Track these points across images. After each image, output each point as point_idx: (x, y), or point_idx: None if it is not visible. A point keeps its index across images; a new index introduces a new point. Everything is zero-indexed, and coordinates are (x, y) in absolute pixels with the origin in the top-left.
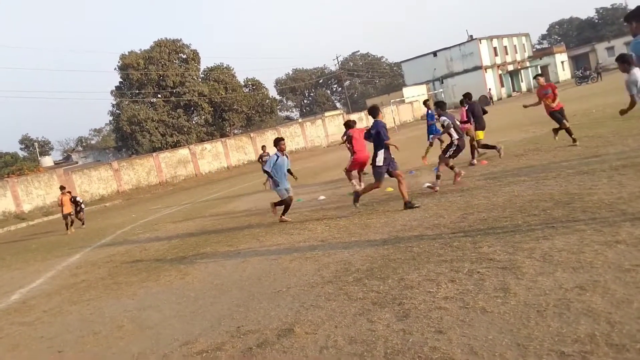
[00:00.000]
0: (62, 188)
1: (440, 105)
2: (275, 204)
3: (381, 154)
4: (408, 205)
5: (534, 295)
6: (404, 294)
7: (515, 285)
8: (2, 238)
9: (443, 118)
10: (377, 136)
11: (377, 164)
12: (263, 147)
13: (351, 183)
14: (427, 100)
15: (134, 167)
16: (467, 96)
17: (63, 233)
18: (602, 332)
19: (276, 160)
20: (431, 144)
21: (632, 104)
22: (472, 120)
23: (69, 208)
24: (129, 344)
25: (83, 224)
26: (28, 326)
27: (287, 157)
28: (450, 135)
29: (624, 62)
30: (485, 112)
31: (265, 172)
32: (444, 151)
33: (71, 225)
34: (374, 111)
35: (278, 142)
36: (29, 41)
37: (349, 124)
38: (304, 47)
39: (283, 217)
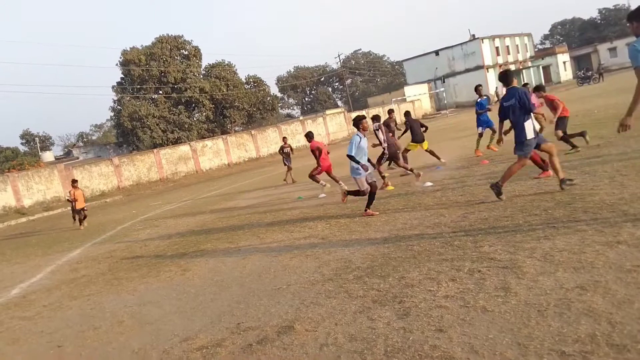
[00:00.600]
0: (74, 182)
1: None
2: (349, 193)
3: (529, 124)
4: (566, 183)
5: (535, 295)
6: (405, 292)
7: (516, 285)
8: (2, 232)
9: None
10: (522, 105)
11: (527, 137)
12: (284, 139)
13: (320, 184)
14: (480, 85)
15: (134, 163)
16: (539, 88)
17: (75, 228)
18: (603, 332)
19: (359, 141)
20: (480, 135)
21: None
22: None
23: (82, 202)
24: (129, 339)
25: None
26: (28, 320)
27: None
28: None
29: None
30: (425, 127)
31: (350, 157)
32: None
33: (84, 219)
34: (507, 77)
35: (359, 120)
36: (30, 36)
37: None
38: (306, 45)
39: (368, 210)
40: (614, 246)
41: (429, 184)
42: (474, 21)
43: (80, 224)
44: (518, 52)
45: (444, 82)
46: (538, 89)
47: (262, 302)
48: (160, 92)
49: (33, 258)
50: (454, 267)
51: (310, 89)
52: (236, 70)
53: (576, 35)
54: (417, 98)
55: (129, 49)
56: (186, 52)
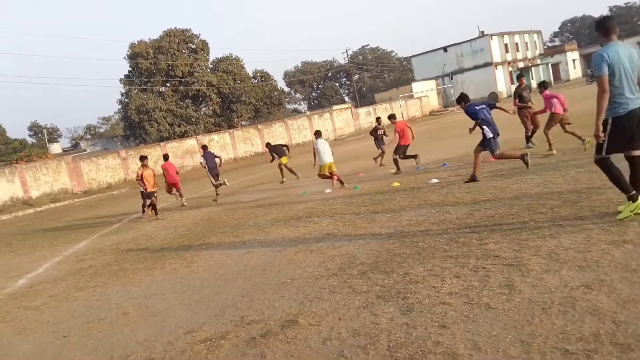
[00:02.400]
0: (143, 159)
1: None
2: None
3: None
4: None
5: (539, 293)
6: (409, 288)
7: (520, 283)
8: (10, 224)
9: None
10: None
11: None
12: (378, 119)
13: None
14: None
15: None
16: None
17: (137, 217)
18: (607, 331)
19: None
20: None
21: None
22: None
23: (152, 185)
24: (134, 331)
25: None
26: (34, 311)
27: None
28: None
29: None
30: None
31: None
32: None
33: (152, 209)
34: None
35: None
36: (39, 28)
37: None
38: (314, 40)
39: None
40: (620, 245)
41: (434, 180)
42: (483, 18)
43: (156, 213)
44: (527, 50)
45: (452, 78)
46: (541, 85)
47: (266, 296)
48: (168, 85)
49: (40, 249)
50: (459, 264)
51: (318, 84)
52: (243, 64)
53: (586, 33)
54: (425, 94)
55: (137, 42)
56: (194, 46)
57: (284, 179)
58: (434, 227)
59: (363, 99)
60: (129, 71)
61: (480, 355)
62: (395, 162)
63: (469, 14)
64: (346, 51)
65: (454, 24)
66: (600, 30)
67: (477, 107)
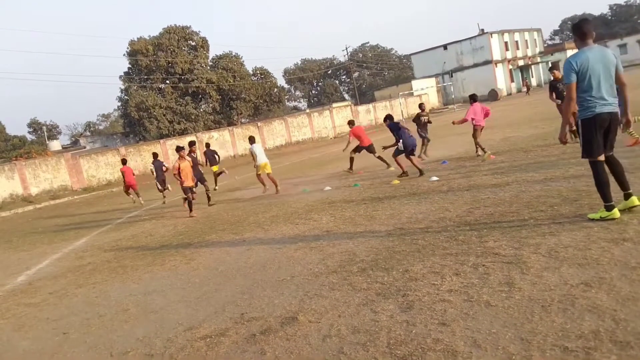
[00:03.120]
0: (179, 149)
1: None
2: None
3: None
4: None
5: (539, 291)
6: (408, 285)
7: (520, 280)
8: (10, 220)
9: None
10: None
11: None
12: (421, 105)
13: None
14: (554, 68)
15: (141, 153)
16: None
17: (185, 214)
18: (607, 329)
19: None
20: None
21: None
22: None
23: (190, 180)
24: (134, 328)
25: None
26: (34, 307)
27: None
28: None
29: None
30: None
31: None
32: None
33: (187, 203)
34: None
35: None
36: (39, 25)
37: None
38: (314, 37)
39: None
40: (619, 243)
41: (434, 178)
42: (484, 16)
43: (190, 210)
44: (527, 48)
45: (452, 76)
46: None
47: (266, 293)
48: (167, 82)
49: (39, 246)
50: (458, 262)
51: (317, 82)
52: (243, 61)
53: None
54: (425, 92)
55: (136, 39)
56: (194, 43)
57: (216, 187)
58: (434, 224)
59: (363, 96)
60: (129, 68)
61: (480, 352)
62: (381, 159)
63: (469, 12)
64: (346, 49)
65: (454, 22)
66: (577, 33)
67: (399, 126)
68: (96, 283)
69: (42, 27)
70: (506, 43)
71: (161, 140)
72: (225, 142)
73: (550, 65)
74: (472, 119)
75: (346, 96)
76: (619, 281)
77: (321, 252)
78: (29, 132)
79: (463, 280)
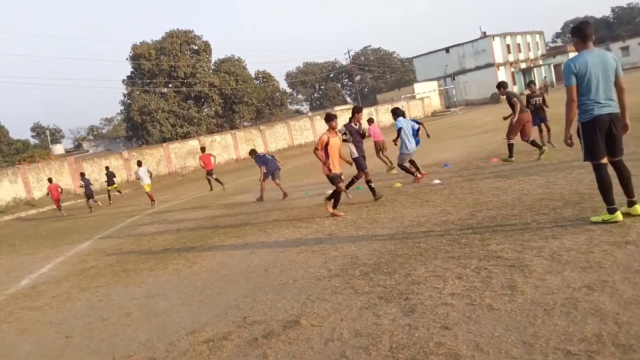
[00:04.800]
0: (330, 118)
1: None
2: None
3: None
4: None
5: (542, 294)
6: (411, 289)
7: (522, 284)
8: (13, 224)
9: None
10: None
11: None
12: (530, 84)
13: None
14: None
15: (143, 157)
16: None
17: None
18: (609, 332)
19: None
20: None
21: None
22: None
23: (338, 165)
24: (137, 331)
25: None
26: (37, 311)
27: None
28: None
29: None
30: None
31: None
32: None
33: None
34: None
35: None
36: (41, 29)
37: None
38: (316, 40)
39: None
40: (622, 246)
41: (436, 181)
42: (485, 18)
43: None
44: (529, 50)
45: (453, 79)
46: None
47: (269, 297)
48: (170, 86)
49: (42, 249)
50: (461, 265)
51: (319, 85)
52: (245, 65)
53: None
54: (427, 95)
55: (139, 44)
56: (196, 47)
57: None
58: (436, 227)
59: (365, 99)
60: (132, 72)
61: (482, 356)
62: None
63: (471, 15)
64: (348, 52)
65: (455, 25)
66: (578, 36)
67: (267, 157)
68: (99, 287)
69: (45, 31)
70: (508, 46)
71: (164, 144)
72: (228, 145)
73: (538, 77)
74: (371, 135)
75: (348, 99)
76: (621, 284)
77: (323, 255)
78: (32, 136)
79: (465, 284)
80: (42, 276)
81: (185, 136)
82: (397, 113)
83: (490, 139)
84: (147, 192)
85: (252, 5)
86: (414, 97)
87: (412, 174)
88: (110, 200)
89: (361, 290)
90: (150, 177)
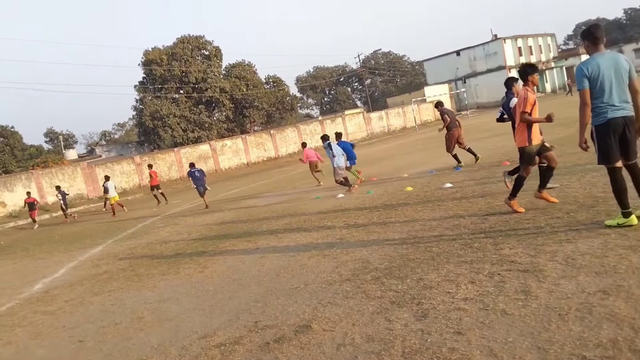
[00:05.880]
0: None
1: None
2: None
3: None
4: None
5: (556, 299)
6: (423, 293)
7: (536, 288)
8: (27, 228)
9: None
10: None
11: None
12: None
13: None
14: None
15: (155, 162)
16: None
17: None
18: (625, 338)
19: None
20: None
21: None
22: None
23: (538, 134)
24: (149, 335)
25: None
26: (50, 315)
27: None
28: None
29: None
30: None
31: None
32: None
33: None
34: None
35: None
36: (56, 36)
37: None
38: (326, 45)
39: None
40: (637, 250)
41: (448, 184)
42: (497, 21)
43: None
44: (541, 53)
45: (464, 82)
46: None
47: (280, 301)
48: (182, 91)
49: (55, 254)
50: (474, 270)
51: (330, 89)
52: (256, 70)
53: None
54: (438, 98)
55: (150, 49)
56: (207, 52)
57: (115, 215)
58: (448, 231)
59: (375, 103)
60: (143, 78)
61: None
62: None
63: (482, 18)
64: (358, 56)
65: (466, 28)
66: (589, 39)
67: (195, 173)
68: (112, 291)
69: (59, 38)
70: (520, 48)
71: (175, 149)
72: (239, 150)
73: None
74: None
75: (358, 103)
76: (637, 289)
77: (335, 259)
78: (45, 142)
79: (478, 289)
80: (56, 280)
81: (197, 141)
82: (324, 139)
83: (502, 142)
84: (113, 203)
85: (262, 10)
86: (424, 101)
87: (348, 185)
88: (104, 207)
89: (373, 294)
90: (115, 189)
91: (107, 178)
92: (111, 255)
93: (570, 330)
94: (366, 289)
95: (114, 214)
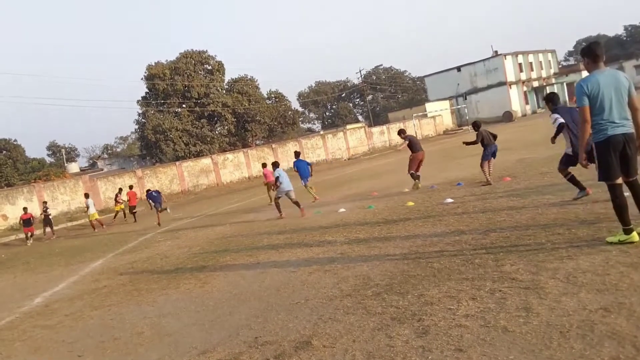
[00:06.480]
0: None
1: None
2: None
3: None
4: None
5: (557, 316)
6: (424, 310)
7: (538, 305)
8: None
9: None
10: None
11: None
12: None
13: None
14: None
15: (157, 175)
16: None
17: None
18: (627, 356)
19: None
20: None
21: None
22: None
23: None
24: (148, 351)
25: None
26: (50, 329)
27: None
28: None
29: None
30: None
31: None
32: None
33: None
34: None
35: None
36: (61, 49)
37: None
38: (328, 60)
39: None
40: (638, 267)
41: (449, 200)
42: (497, 37)
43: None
44: (542, 69)
45: (465, 98)
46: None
47: (280, 317)
48: (184, 106)
49: (56, 268)
50: (475, 286)
51: (331, 104)
52: (258, 85)
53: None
54: (439, 114)
55: (154, 64)
56: (210, 67)
57: (96, 230)
58: (449, 247)
59: (377, 118)
60: (146, 92)
61: None
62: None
63: (483, 34)
64: (360, 71)
65: (467, 44)
66: (589, 56)
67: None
68: (111, 305)
69: (63, 51)
70: (520, 64)
71: (177, 162)
72: (240, 163)
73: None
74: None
75: (360, 118)
76: (638, 307)
77: (335, 275)
78: (47, 155)
79: (480, 305)
80: (56, 294)
81: (199, 154)
82: (274, 165)
83: (502, 158)
84: (91, 220)
85: (265, 25)
86: (425, 116)
87: (279, 211)
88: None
89: (373, 310)
90: (94, 206)
91: (86, 196)
92: (111, 269)
93: (571, 348)
94: (367, 305)
95: (95, 228)
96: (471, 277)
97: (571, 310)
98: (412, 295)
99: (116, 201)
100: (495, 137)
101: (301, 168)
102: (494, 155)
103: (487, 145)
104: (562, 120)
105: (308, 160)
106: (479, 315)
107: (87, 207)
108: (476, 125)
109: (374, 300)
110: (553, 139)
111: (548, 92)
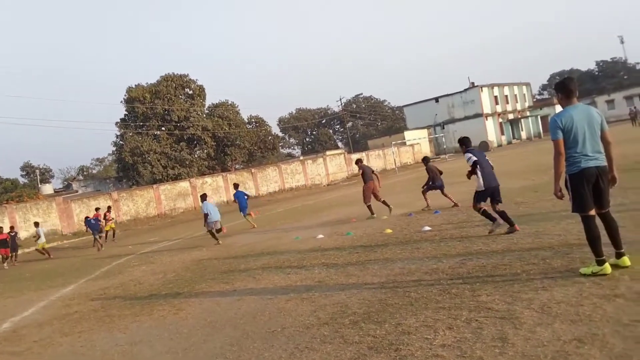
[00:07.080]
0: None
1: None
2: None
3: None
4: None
5: (532, 346)
6: (401, 339)
7: (513, 335)
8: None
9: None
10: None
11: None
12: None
13: None
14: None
15: (133, 198)
16: None
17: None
18: None
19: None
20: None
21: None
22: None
23: None
24: None
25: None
26: (17, 356)
27: None
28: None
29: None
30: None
31: None
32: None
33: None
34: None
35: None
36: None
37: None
38: (309, 88)
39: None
40: (611, 299)
41: (427, 228)
42: (474, 69)
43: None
44: (517, 102)
45: (443, 128)
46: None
47: (256, 345)
48: (163, 129)
49: (26, 292)
50: (451, 316)
51: (312, 130)
52: (239, 109)
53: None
54: (417, 142)
55: (134, 86)
56: (190, 91)
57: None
58: (427, 276)
59: (356, 145)
60: (125, 115)
61: None
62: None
63: (460, 65)
64: (340, 99)
65: (445, 75)
66: (562, 92)
67: (92, 221)
68: (82, 332)
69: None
70: (496, 97)
71: (154, 185)
72: (219, 187)
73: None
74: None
75: (340, 144)
76: (611, 338)
77: (313, 303)
78: (21, 175)
79: (456, 335)
80: (25, 319)
81: (177, 178)
82: (203, 197)
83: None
84: (40, 249)
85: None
86: (404, 144)
87: (216, 239)
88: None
89: (351, 339)
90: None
91: (37, 224)
92: (83, 294)
93: None
94: (344, 334)
95: (50, 255)
96: (448, 306)
97: (546, 341)
98: (389, 324)
99: (106, 220)
100: (441, 172)
101: (240, 199)
102: (440, 189)
103: (434, 180)
104: (475, 158)
105: (247, 192)
106: (455, 345)
107: (38, 236)
108: (425, 160)
109: (352, 329)
110: (469, 175)
111: (462, 136)
